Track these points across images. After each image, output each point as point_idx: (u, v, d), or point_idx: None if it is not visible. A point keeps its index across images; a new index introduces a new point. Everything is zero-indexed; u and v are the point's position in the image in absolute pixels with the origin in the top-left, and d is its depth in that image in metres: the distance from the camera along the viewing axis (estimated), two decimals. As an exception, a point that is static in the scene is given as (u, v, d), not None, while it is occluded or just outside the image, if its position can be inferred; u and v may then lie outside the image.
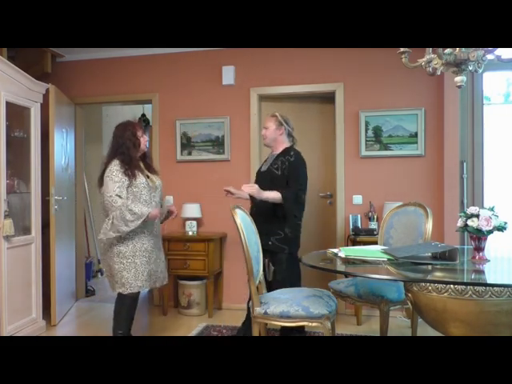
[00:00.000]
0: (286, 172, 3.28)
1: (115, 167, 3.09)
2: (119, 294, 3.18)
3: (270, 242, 3.25)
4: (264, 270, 3.29)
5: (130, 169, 3.10)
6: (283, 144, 3.40)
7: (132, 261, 3.09)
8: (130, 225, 3.00)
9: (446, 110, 4.04)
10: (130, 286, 3.08)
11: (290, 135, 3.42)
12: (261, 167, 3.56)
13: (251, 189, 3.20)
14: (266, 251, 3.21)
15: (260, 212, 3.30)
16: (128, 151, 3.13)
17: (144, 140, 3.24)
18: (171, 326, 4.03)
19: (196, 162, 4.57)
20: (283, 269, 3.27)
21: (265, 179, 3.36)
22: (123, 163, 3.10)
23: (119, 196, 3.03)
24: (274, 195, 3.21)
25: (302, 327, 3.30)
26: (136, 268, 3.10)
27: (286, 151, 3.36)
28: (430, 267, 2.28)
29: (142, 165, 3.23)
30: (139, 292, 3.23)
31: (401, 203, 3.52)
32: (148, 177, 3.21)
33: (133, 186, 3.09)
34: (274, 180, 3.30)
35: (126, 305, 3.18)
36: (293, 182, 3.25)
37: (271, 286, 3.23)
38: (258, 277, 2.68)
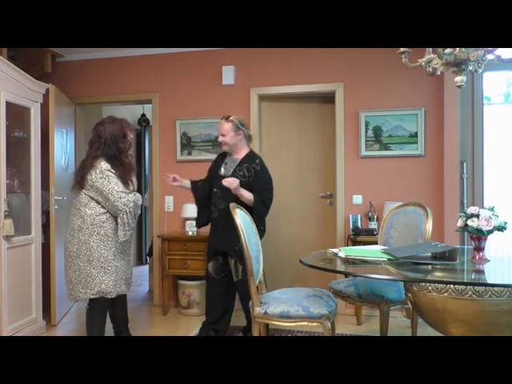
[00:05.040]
0: (251, 180, 3.26)
1: (106, 168, 2.95)
2: (92, 302, 3.03)
3: (237, 248, 3.15)
4: (229, 270, 3.40)
5: (121, 176, 2.99)
6: (244, 148, 3.35)
7: (113, 264, 2.99)
8: (136, 216, 3.09)
9: (446, 110, 4.04)
10: (110, 292, 2.97)
11: (248, 137, 3.37)
12: (219, 169, 3.40)
13: (231, 184, 3.12)
14: (234, 254, 3.28)
15: (226, 219, 3.16)
16: (120, 156, 3.01)
17: (131, 140, 3.15)
18: (171, 325, 4.03)
19: (196, 162, 4.56)
20: None
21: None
22: (114, 168, 2.97)
23: (124, 192, 2.97)
24: (248, 195, 3.21)
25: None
26: (117, 272, 3.00)
27: (249, 158, 3.32)
28: (430, 267, 2.28)
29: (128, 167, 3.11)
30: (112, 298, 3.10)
31: (401, 203, 3.53)
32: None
33: None
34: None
35: (100, 312, 3.06)
36: (261, 190, 3.23)
37: (239, 285, 3.34)
38: (258, 277, 2.68)
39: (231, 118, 3.30)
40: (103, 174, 2.93)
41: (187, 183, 3.53)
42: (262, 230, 3.29)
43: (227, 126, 3.29)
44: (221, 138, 3.33)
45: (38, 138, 3.83)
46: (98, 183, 2.93)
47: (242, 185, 3.22)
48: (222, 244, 3.34)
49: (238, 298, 3.47)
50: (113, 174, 2.95)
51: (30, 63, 4.38)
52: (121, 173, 3.00)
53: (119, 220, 2.97)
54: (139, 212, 3.11)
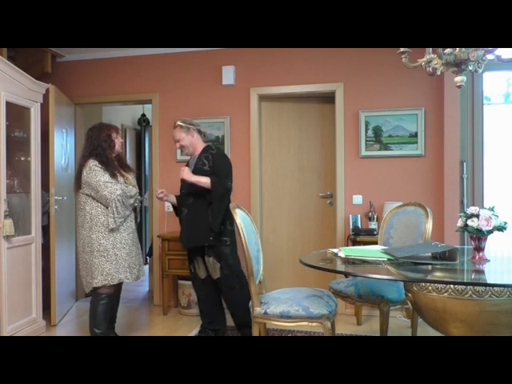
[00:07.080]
0: (211, 164, 3.33)
1: (93, 164, 3.17)
2: (94, 292, 3.23)
3: (210, 238, 3.29)
4: (207, 268, 3.45)
5: (108, 169, 3.18)
6: (200, 144, 3.45)
7: (113, 253, 3.17)
8: (129, 206, 3.26)
9: (446, 110, 4.04)
10: (112, 278, 3.16)
11: (200, 132, 3.46)
12: None
13: (183, 173, 3.29)
14: (209, 248, 3.33)
15: (196, 212, 3.33)
16: (104, 152, 3.22)
17: (118, 141, 3.34)
18: (171, 325, 4.03)
19: (196, 162, 4.56)
20: (229, 263, 3.35)
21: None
22: (101, 163, 3.19)
23: (110, 182, 3.15)
24: (205, 179, 3.27)
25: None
26: (117, 260, 3.18)
27: (206, 149, 3.42)
28: (430, 267, 2.28)
29: (117, 164, 3.32)
30: (117, 290, 3.31)
31: (401, 203, 3.53)
32: (123, 175, 3.30)
33: None
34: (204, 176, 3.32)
35: (102, 302, 3.21)
36: (219, 172, 3.29)
37: (219, 284, 3.39)
38: (258, 277, 2.68)
39: (177, 123, 3.42)
40: (91, 169, 3.18)
41: (173, 198, 3.57)
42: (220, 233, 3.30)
43: (177, 132, 3.41)
44: (177, 145, 3.47)
45: (37, 138, 3.83)
46: (87, 178, 3.17)
47: (206, 173, 3.29)
48: (194, 239, 3.36)
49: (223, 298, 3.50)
50: (99, 168, 3.18)
51: (29, 63, 4.39)
52: (107, 168, 3.20)
53: (109, 208, 3.16)
54: (131, 202, 3.28)
